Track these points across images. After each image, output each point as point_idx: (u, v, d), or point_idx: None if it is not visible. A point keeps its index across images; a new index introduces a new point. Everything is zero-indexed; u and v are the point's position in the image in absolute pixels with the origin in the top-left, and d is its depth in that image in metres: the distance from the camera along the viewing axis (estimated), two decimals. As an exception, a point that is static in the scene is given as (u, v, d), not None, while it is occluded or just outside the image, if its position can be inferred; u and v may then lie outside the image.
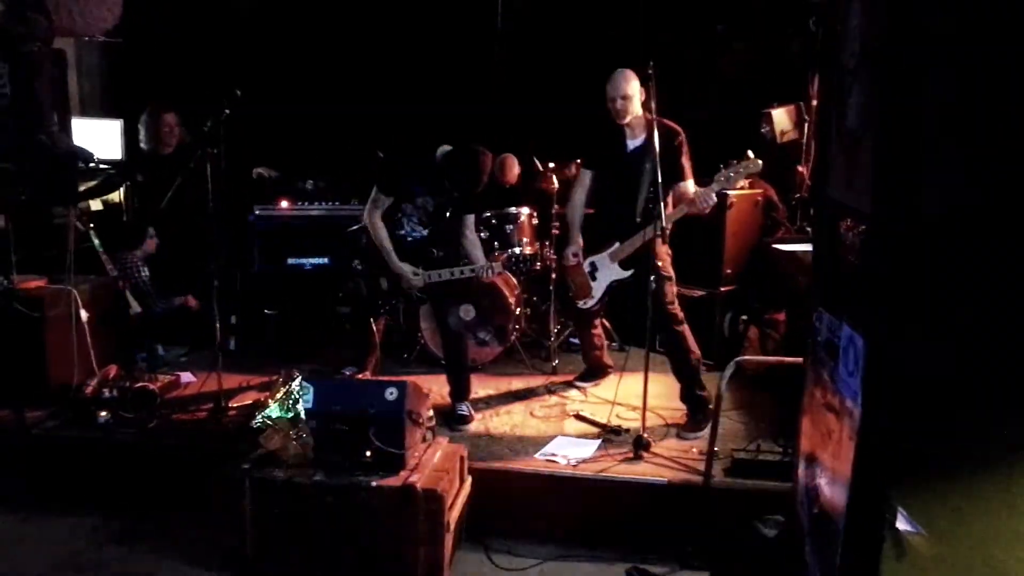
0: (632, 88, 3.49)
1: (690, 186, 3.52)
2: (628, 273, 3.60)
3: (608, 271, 3.68)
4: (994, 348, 1.41)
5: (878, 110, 1.54)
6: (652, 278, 3.26)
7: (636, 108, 3.53)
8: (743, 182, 3.98)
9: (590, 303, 3.78)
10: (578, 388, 4.02)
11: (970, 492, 1.45)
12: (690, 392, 3.54)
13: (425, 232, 3.67)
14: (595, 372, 4.07)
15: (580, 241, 3.81)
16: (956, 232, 1.41)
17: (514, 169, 4.93)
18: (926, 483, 1.46)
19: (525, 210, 4.56)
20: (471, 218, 3.76)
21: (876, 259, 1.51)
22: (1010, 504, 1.44)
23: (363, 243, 3.69)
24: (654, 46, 5.06)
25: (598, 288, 3.73)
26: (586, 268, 3.75)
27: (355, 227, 3.75)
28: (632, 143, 3.61)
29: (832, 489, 1.65)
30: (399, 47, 5.27)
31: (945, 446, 1.45)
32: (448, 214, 3.66)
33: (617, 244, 3.60)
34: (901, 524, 1.44)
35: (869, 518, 1.47)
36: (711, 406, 3.40)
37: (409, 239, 3.66)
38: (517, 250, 4.40)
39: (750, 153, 3.36)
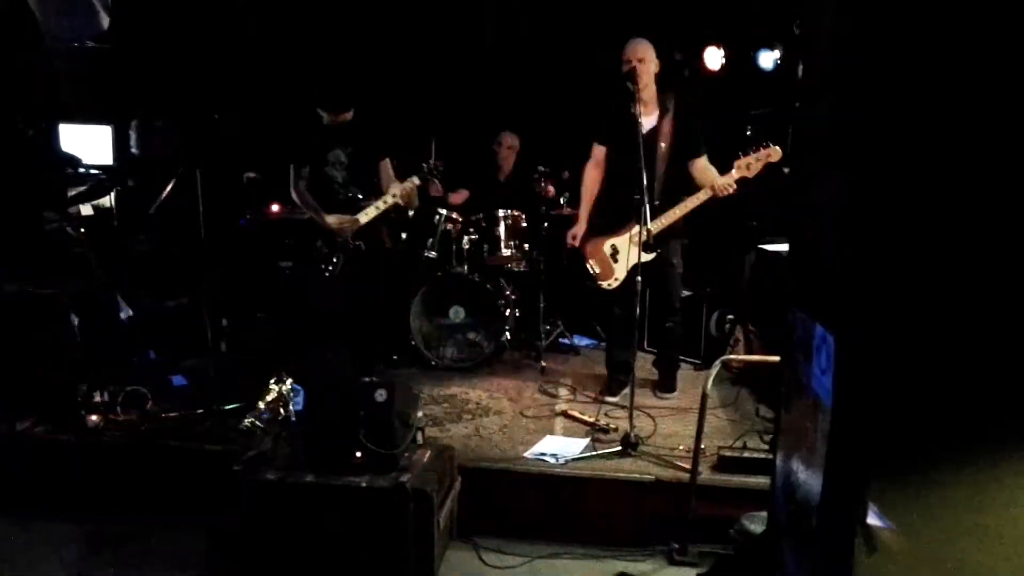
0: (648, 53, 3.48)
1: (705, 162, 3.55)
2: (651, 256, 3.47)
3: (631, 253, 3.59)
4: (965, 346, 1.44)
5: (848, 114, 1.58)
6: (639, 278, 3.31)
7: (650, 80, 3.50)
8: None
9: (614, 284, 3.73)
10: (612, 403, 3.82)
11: (940, 488, 1.48)
12: (670, 364, 3.96)
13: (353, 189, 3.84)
14: (627, 374, 3.89)
15: (584, 224, 3.77)
16: (927, 230, 1.45)
17: (510, 142, 4.92)
18: (897, 479, 1.50)
19: (514, 212, 4.59)
20: (387, 164, 3.88)
21: (848, 258, 1.54)
22: (978, 500, 1.47)
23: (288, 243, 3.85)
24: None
25: (620, 269, 3.69)
26: (607, 251, 3.72)
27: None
28: (647, 121, 3.53)
29: (807, 485, 1.69)
30: (391, 52, 5.29)
31: (916, 443, 1.48)
32: (363, 159, 3.83)
33: (636, 227, 3.42)
34: (872, 520, 1.48)
35: (841, 514, 1.51)
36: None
37: (341, 197, 3.83)
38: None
39: (770, 144, 3.42)
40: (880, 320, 1.47)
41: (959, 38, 1.39)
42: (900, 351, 1.46)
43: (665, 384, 3.95)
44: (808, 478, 1.69)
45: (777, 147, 3.42)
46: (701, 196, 3.53)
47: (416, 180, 3.75)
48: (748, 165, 3.43)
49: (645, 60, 3.47)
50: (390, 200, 3.75)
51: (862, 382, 1.48)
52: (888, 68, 1.45)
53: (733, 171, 3.46)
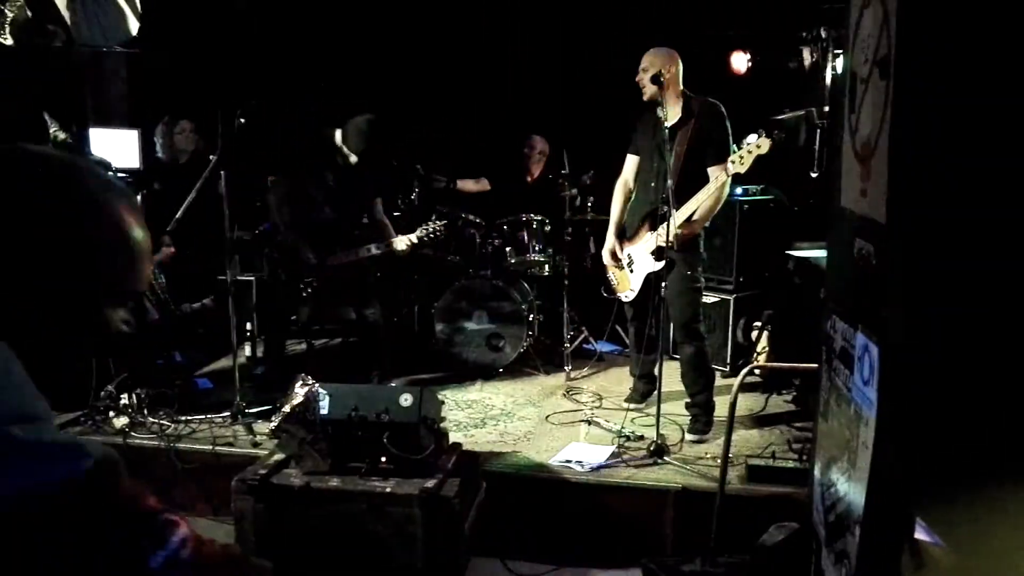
0: (652, 60, 3.39)
1: (716, 171, 3.36)
2: (661, 264, 3.32)
3: (644, 262, 3.50)
4: (1017, 356, 1.39)
5: (891, 119, 1.53)
6: (664, 284, 3.25)
7: (666, 86, 3.34)
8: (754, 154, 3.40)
9: (631, 296, 3.63)
10: (637, 410, 3.74)
11: (992, 503, 1.43)
12: (705, 404, 3.50)
13: (334, 215, 3.82)
14: (650, 384, 3.74)
15: (614, 240, 3.64)
16: (973, 238, 1.40)
17: (541, 147, 4.90)
18: (946, 493, 1.45)
19: (538, 216, 4.56)
20: (378, 202, 3.93)
21: (891, 267, 1.50)
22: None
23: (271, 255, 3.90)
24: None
25: (636, 280, 3.58)
26: (624, 259, 3.62)
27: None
28: (668, 122, 3.37)
29: (848, 498, 1.64)
30: (416, 55, 5.30)
31: (965, 456, 1.43)
32: (353, 191, 3.84)
33: (649, 234, 3.37)
34: (920, 535, 1.43)
35: (886, 529, 1.46)
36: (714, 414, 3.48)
37: (318, 221, 3.80)
38: (430, 226, 3.92)
39: (762, 133, 3.27)
40: (927, 328, 1.42)
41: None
42: (949, 360, 1.41)
43: (696, 426, 3.51)
44: (849, 490, 1.64)
45: (766, 139, 3.23)
46: (700, 196, 3.31)
47: (414, 239, 3.81)
48: (740, 159, 3.25)
49: (647, 69, 3.38)
50: (399, 246, 3.81)
51: (909, 393, 1.44)
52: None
53: (728, 167, 3.29)
